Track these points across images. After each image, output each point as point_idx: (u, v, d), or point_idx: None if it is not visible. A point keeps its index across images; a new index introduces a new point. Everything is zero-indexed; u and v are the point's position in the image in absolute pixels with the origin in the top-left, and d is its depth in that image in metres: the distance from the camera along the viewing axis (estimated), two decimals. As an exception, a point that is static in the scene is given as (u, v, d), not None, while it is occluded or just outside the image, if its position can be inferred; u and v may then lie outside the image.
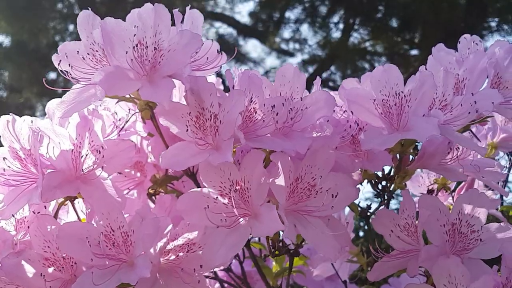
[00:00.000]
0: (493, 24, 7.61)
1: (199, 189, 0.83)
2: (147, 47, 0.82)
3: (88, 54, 0.86)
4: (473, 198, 0.90)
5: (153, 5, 0.82)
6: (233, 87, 0.85)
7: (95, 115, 0.90)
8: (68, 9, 8.43)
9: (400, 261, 0.91)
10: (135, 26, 0.82)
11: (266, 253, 1.30)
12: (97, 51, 0.86)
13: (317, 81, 0.95)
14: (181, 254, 0.84)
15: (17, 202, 0.85)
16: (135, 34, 0.81)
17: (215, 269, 1.17)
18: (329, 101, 0.88)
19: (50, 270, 0.85)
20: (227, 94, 0.87)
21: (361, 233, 3.51)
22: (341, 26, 8.55)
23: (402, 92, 0.89)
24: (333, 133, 0.87)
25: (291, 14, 8.67)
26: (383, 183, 1.03)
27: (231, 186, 0.80)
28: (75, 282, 0.80)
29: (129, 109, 1.01)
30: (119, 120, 0.99)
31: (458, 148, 1.02)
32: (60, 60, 0.87)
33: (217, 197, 0.81)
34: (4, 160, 0.88)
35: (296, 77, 0.90)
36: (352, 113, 0.93)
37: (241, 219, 0.80)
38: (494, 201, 0.99)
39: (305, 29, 8.62)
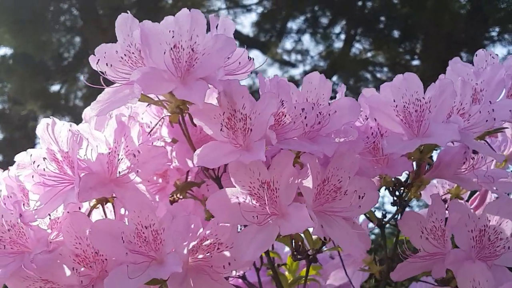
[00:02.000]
0: (494, 34, 7.66)
1: (229, 188, 0.86)
2: (183, 49, 0.85)
3: (124, 55, 0.89)
4: (501, 206, 0.93)
5: (189, 10, 0.86)
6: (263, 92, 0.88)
7: (132, 122, 0.93)
8: (72, 22, 8.49)
9: (425, 263, 0.93)
10: (171, 30, 0.85)
11: (280, 262, 1.33)
12: (133, 53, 0.89)
13: (342, 88, 0.98)
14: (208, 253, 0.86)
15: (53, 202, 0.87)
16: (172, 37, 0.85)
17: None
18: (354, 107, 0.92)
19: (80, 266, 0.87)
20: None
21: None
22: (342, 36, 8.62)
23: (422, 99, 0.92)
24: (357, 138, 0.90)
25: (293, 25, 8.74)
26: (401, 190, 1.06)
27: (260, 187, 0.83)
28: (108, 276, 0.81)
29: (155, 115, 1.05)
30: (147, 126, 1.03)
31: (473, 158, 1.04)
32: (99, 60, 0.90)
33: (246, 197, 0.84)
34: (44, 160, 0.90)
35: (322, 84, 0.94)
36: (374, 120, 0.96)
37: (269, 218, 0.83)
38: None
39: (307, 40, 8.70)
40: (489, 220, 0.92)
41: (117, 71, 0.90)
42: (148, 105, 0.97)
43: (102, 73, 0.90)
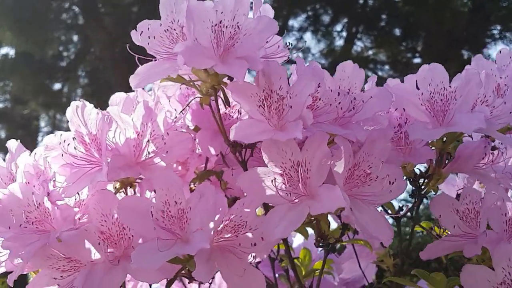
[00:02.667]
0: (495, 32, 7.68)
1: (261, 167, 0.87)
2: (225, 28, 0.87)
3: (166, 30, 0.91)
4: None
5: None
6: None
7: (158, 107, 0.95)
8: (73, 20, 8.49)
9: (456, 243, 0.95)
10: (216, 9, 0.87)
11: (293, 256, 1.33)
12: (175, 29, 0.91)
13: (373, 78, 1.00)
14: (232, 234, 0.87)
15: (80, 182, 0.89)
16: (218, 13, 0.87)
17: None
18: (387, 96, 0.93)
19: (105, 243, 0.88)
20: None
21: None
22: (344, 34, 8.64)
23: (448, 88, 0.93)
24: (387, 126, 0.92)
25: (294, 22, 8.75)
26: (421, 181, 1.07)
27: (292, 167, 0.84)
28: (135, 250, 0.81)
29: (185, 97, 1.06)
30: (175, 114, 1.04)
31: (493, 153, 1.06)
32: (142, 31, 0.92)
33: (277, 176, 0.85)
34: (73, 139, 0.92)
35: (356, 73, 0.95)
36: (398, 109, 0.98)
37: (299, 198, 0.84)
38: None
39: (308, 37, 8.69)
40: None
41: (158, 45, 0.91)
42: (181, 85, 0.97)
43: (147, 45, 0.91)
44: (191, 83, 0.94)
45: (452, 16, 7.53)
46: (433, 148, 1.01)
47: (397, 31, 8.35)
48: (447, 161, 1.06)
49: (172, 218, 0.84)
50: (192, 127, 1.07)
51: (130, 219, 0.86)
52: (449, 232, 0.97)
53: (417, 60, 8.33)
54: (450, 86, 0.93)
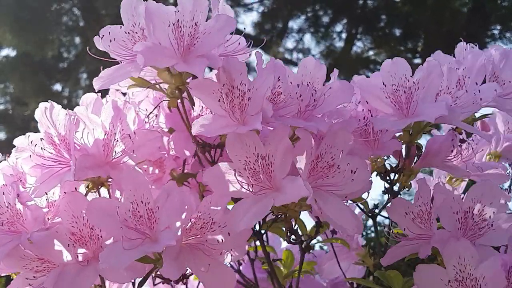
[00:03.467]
0: (495, 32, 7.66)
1: (224, 163, 0.88)
2: (185, 28, 0.89)
3: (128, 33, 0.93)
4: (485, 189, 0.95)
5: None
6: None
7: (127, 107, 0.96)
8: (73, 22, 8.52)
9: (413, 245, 0.96)
10: (174, 11, 0.89)
11: (275, 257, 1.34)
12: (136, 32, 0.93)
13: (335, 73, 1.01)
14: (201, 232, 0.88)
15: (50, 182, 0.90)
16: (176, 15, 0.89)
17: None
18: (348, 89, 0.94)
19: (76, 244, 0.89)
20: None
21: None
22: (344, 35, 8.63)
23: (410, 80, 0.95)
24: (350, 118, 0.94)
25: (294, 24, 8.76)
26: (392, 175, 1.08)
27: (256, 161, 0.85)
28: (103, 251, 0.82)
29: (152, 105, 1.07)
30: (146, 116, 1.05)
31: (461, 145, 1.07)
32: (103, 36, 0.94)
33: (241, 170, 0.86)
34: (41, 140, 0.93)
35: (317, 69, 0.97)
36: (365, 103, 0.99)
37: (264, 191, 0.85)
38: (503, 206, 1.03)
39: (308, 38, 8.70)
40: (473, 202, 0.94)
41: (120, 48, 0.93)
42: (146, 88, 0.99)
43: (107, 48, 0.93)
44: (157, 86, 0.96)
45: (452, 16, 7.52)
46: (401, 140, 1.02)
47: (397, 32, 8.34)
48: (417, 157, 1.07)
49: (141, 218, 0.85)
50: (166, 129, 1.08)
51: (99, 220, 0.87)
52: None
53: (417, 60, 8.31)
54: (412, 78, 0.94)
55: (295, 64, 8.80)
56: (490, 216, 0.93)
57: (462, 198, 0.95)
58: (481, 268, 0.84)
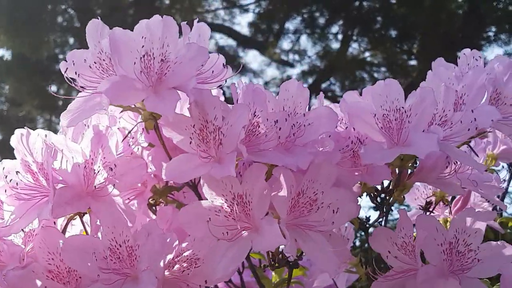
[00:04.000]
0: (490, 34, 7.65)
1: (200, 201, 0.84)
2: (154, 58, 0.83)
3: (95, 62, 0.87)
4: (469, 217, 0.92)
5: (162, 17, 0.83)
6: (237, 101, 0.86)
7: (109, 132, 0.91)
8: (68, 23, 8.48)
9: (398, 281, 0.91)
10: (142, 37, 0.83)
11: (266, 263, 1.31)
12: (104, 60, 0.87)
13: (320, 96, 0.97)
14: (186, 269, 0.85)
15: (27, 216, 0.86)
16: (143, 45, 0.83)
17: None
18: (331, 117, 0.90)
19: (53, 283, 0.85)
20: (230, 106, 0.88)
21: (357, 243, 3.50)
22: (340, 37, 8.61)
23: (402, 107, 0.90)
24: (334, 148, 0.89)
25: (290, 25, 8.74)
26: (382, 196, 1.04)
27: (233, 199, 0.81)
28: None
29: (132, 119, 1.03)
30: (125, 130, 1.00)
31: (456, 162, 1.03)
32: (67, 68, 0.88)
33: (218, 210, 0.82)
34: (16, 173, 0.89)
35: (299, 92, 0.92)
36: (353, 128, 0.95)
37: (243, 232, 0.81)
38: (491, 213, 1.00)
39: (304, 40, 8.68)
40: (458, 232, 0.90)
41: (87, 79, 0.87)
42: (122, 111, 0.95)
43: (70, 80, 0.88)
44: (134, 107, 0.90)
45: (448, 18, 7.51)
46: (393, 165, 0.98)
47: (393, 33, 8.32)
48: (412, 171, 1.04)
49: (120, 256, 0.83)
50: (146, 144, 1.04)
51: (76, 261, 0.84)
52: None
53: (413, 62, 8.31)
54: (404, 105, 0.90)
55: (291, 65, 8.79)
56: (477, 246, 0.90)
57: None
58: None
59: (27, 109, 8.55)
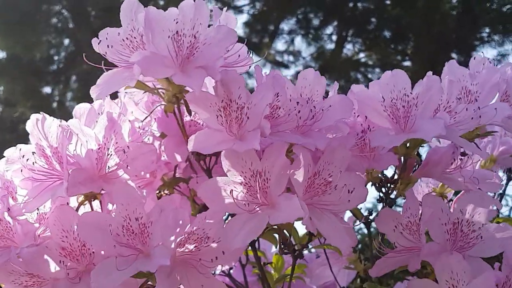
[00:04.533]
0: (484, 35, 7.70)
1: (221, 177, 0.87)
2: (185, 37, 0.86)
3: (126, 38, 0.91)
4: (474, 199, 0.94)
5: (194, 0, 0.87)
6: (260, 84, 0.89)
7: (122, 118, 0.94)
8: (63, 23, 8.45)
9: (402, 257, 0.95)
10: (175, 18, 0.86)
11: (266, 261, 1.33)
12: (135, 37, 0.90)
13: (335, 86, 1.00)
14: (195, 247, 0.87)
15: (41, 196, 0.88)
16: (176, 24, 0.86)
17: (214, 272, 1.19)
18: (348, 104, 0.93)
19: (67, 260, 0.87)
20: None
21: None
22: (334, 37, 8.63)
23: (409, 95, 0.93)
24: (348, 134, 0.92)
25: (284, 26, 8.75)
26: (387, 187, 1.07)
27: (252, 176, 0.84)
28: (95, 269, 0.81)
29: (144, 112, 1.05)
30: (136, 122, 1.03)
31: (461, 158, 1.06)
32: (100, 41, 0.91)
33: (237, 186, 0.85)
34: (32, 154, 0.91)
35: (317, 80, 0.95)
36: (362, 116, 0.98)
37: (259, 207, 0.84)
38: (492, 212, 1.03)
39: (298, 41, 8.69)
40: (462, 213, 0.93)
41: (118, 54, 0.90)
42: (144, 92, 0.96)
43: (103, 56, 0.90)
44: (155, 90, 0.93)
45: (442, 19, 7.54)
46: (398, 153, 1.01)
47: (387, 34, 8.36)
48: (417, 165, 1.06)
49: (133, 233, 0.84)
50: (158, 134, 1.06)
51: (91, 236, 0.85)
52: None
53: (407, 63, 8.34)
54: (411, 92, 0.93)
55: (286, 66, 8.81)
56: (479, 227, 0.93)
57: (451, 207, 0.95)
58: (474, 284, 0.83)
59: (21, 110, 8.53)
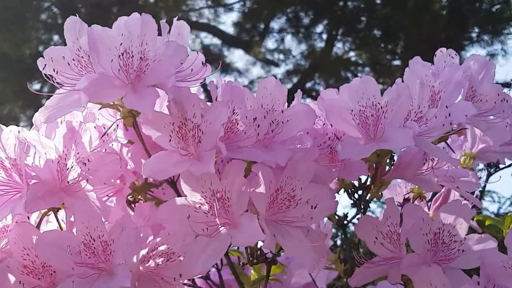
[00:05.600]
0: (473, 35, 7.72)
1: (180, 198, 0.84)
2: (132, 56, 0.83)
3: (73, 60, 0.87)
4: (455, 209, 0.92)
5: (140, 15, 0.83)
6: (216, 98, 0.87)
7: (83, 127, 0.91)
8: (52, 20, 8.40)
9: (382, 267, 0.93)
10: (121, 34, 0.83)
11: (244, 261, 1.31)
12: (82, 57, 0.87)
13: (298, 94, 0.98)
14: (160, 263, 0.85)
15: (1, 211, 0.86)
16: (121, 43, 0.82)
17: (194, 277, 1.17)
18: (309, 114, 0.90)
19: (29, 278, 0.85)
20: (209, 104, 0.89)
21: (338, 242, 3.52)
22: (324, 36, 8.63)
23: (379, 103, 0.91)
24: (312, 145, 0.90)
25: (275, 25, 8.74)
26: (360, 192, 1.05)
27: (212, 196, 0.81)
28: None
29: (111, 116, 1.02)
30: (103, 127, 1.00)
31: (433, 159, 1.04)
32: (45, 65, 0.88)
33: (198, 206, 0.83)
34: None
35: (277, 89, 0.92)
36: (331, 125, 0.95)
37: (222, 228, 0.82)
38: (471, 211, 1.01)
39: (289, 39, 8.69)
40: (444, 223, 0.92)
41: (65, 76, 0.87)
42: (101, 107, 0.94)
43: (48, 77, 0.88)
44: (113, 104, 0.90)
45: (431, 19, 7.56)
46: (369, 161, 0.99)
47: (377, 33, 8.36)
48: (389, 167, 1.05)
49: (95, 251, 0.83)
50: (125, 141, 1.04)
51: (50, 256, 0.83)
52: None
53: (397, 62, 8.34)
54: (380, 100, 0.91)
55: (276, 65, 8.79)
56: (461, 238, 0.91)
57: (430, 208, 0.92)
58: None
59: (9, 107, 8.48)
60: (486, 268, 0.86)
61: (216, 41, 8.88)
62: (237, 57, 12.30)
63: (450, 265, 0.91)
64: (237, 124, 0.85)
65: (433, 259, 0.90)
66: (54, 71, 0.87)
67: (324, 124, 0.98)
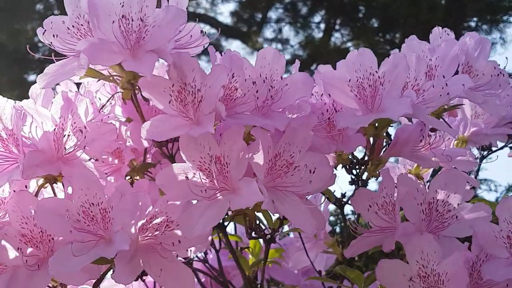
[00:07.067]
0: (472, 24, 7.70)
1: (179, 163, 0.84)
2: (132, 20, 0.83)
3: (73, 26, 0.88)
4: (450, 179, 0.93)
5: None
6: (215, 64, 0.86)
7: (79, 98, 0.91)
8: (48, 10, 8.37)
9: (377, 238, 0.94)
10: (120, 2, 0.83)
11: (243, 245, 1.31)
12: (82, 24, 0.87)
13: (296, 64, 0.98)
14: (158, 232, 0.85)
15: (-2, 180, 0.85)
16: (122, 7, 0.83)
17: (192, 258, 1.17)
18: (307, 82, 0.91)
19: (27, 246, 0.86)
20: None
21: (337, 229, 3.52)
22: (322, 26, 8.61)
23: (376, 73, 0.91)
24: (310, 113, 0.90)
25: (272, 14, 8.71)
26: (358, 168, 1.05)
27: (211, 161, 0.82)
28: (53, 255, 0.79)
29: (109, 94, 1.02)
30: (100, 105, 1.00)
31: (430, 136, 1.05)
32: (45, 30, 0.88)
33: (197, 172, 0.83)
34: None
35: (276, 59, 0.92)
36: (328, 96, 0.95)
37: (220, 193, 0.82)
38: (469, 192, 1.01)
39: (287, 29, 8.66)
40: (438, 193, 0.92)
41: (65, 43, 0.87)
42: (98, 80, 0.94)
43: (49, 45, 0.88)
44: (110, 77, 0.91)
45: (429, 9, 7.53)
46: (367, 134, 0.99)
47: (375, 23, 8.34)
48: (386, 146, 1.05)
49: (94, 218, 0.83)
50: (124, 119, 1.04)
51: (49, 222, 0.83)
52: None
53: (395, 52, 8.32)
54: (378, 71, 0.91)
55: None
56: (454, 207, 0.92)
57: (427, 187, 0.93)
58: (444, 264, 0.82)
59: (6, 97, 8.46)
60: (477, 238, 0.86)
61: (214, 31, 8.86)
62: (234, 47, 12.22)
63: (444, 233, 0.92)
64: (236, 91, 0.85)
65: (427, 228, 0.91)
66: (53, 36, 0.87)
67: (321, 98, 0.98)
